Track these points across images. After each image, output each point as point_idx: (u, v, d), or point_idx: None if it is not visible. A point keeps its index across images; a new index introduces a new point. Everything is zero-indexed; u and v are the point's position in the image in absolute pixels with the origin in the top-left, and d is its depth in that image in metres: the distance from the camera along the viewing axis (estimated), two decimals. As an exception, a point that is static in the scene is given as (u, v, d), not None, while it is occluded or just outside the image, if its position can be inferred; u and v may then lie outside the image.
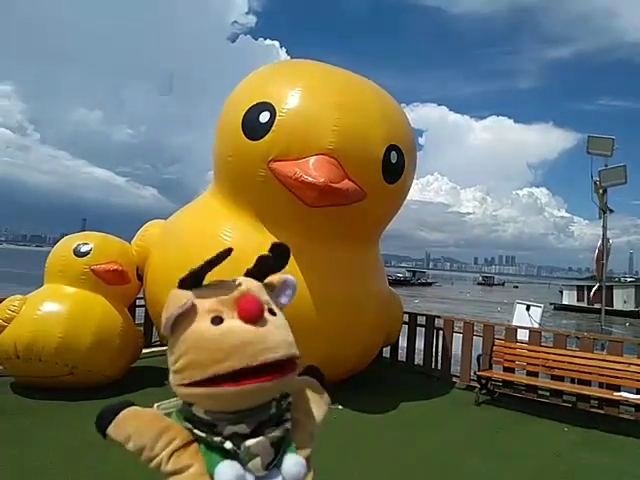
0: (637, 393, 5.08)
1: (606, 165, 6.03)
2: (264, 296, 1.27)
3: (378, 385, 6.31)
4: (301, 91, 4.83)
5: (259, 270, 1.33)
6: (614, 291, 41.60)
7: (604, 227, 7.45)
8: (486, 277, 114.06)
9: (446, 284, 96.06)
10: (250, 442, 1.13)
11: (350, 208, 4.90)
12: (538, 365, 5.70)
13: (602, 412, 5.35)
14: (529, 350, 5.87)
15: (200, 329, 1.17)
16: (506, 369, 6.00)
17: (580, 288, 43.60)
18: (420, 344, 7.11)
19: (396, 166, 5.22)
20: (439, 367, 6.87)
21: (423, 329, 7.02)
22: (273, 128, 4.66)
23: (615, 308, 40.33)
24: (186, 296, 1.19)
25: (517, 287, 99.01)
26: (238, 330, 1.15)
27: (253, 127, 4.75)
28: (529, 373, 5.87)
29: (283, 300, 1.38)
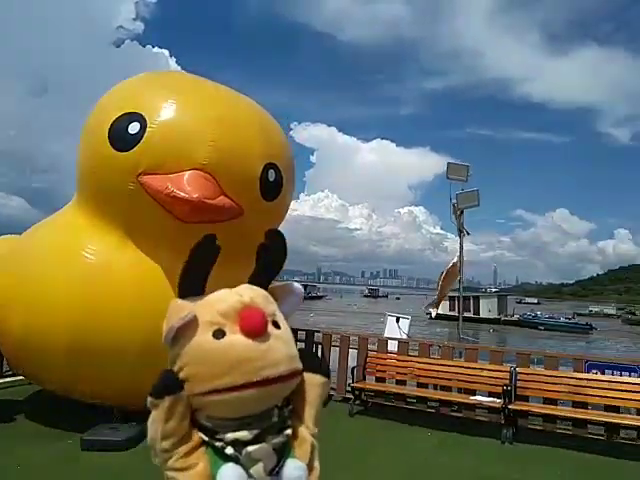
0: (489, 396, 5.64)
1: (462, 189, 6.71)
2: (270, 307, 1.26)
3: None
4: (176, 104, 4.66)
5: (263, 264, 1.33)
6: (480, 301, 46.22)
7: (460, 245, 8.23)
8: (372, 290, 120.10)
9: (336, 297, 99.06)
10: (252, 448, 1.13)
11: (227, 225, 4.81)
12: (406, 374, 6.09)
13: (461, 415, 5.85)
14: (398, 360, 6.24)
15: (201, 342, 1.17)
16: (378, 379, 6.31)
17: (452, 299, 47.80)
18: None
19: (274, 184, 5.26)
20: (318, 381, 6.99)
21: (303, 344, 7.13)
22: (143, 140, 4.43)
23: (481, 316, 44.81)
24: (187, 307, 1.19)
25: (399, 299, 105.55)
26: (239, 346, 1.14)
27: (121, 137, 4.46)
28: (399, 382, 6.23)
29: (286, 308, 1.36)
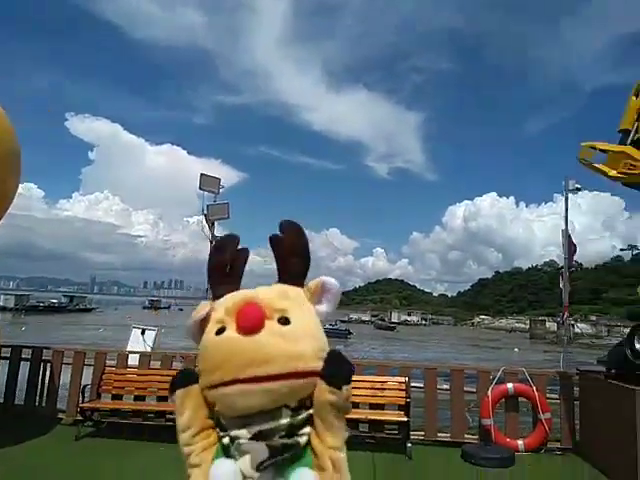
0: None
1: (215, 201, 6.86)
2: (280, 303, 1.18)
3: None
4: None
5: (282, 264, 1.25)
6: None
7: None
8: (152, 301, 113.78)
9: (109, 309, 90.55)
10: (242, 440, 1.10)
11: None
12: (145, 389, 5.82)
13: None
14: (138, 374, 5.94)
15: (205, 339, 1.18)
16: (115, 397, 5.88)
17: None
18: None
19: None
20: (44, 404, 6.16)
21: (28, 363, 6.20)
22: None
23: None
24: (204, 308, 1.21)
25: (182, 310, 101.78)
26: (229, 342, 1.13)
27: None
28: (137, 398, 5.92)
29: (322, 307, 1.25)
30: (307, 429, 1.16)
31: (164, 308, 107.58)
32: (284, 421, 1.13)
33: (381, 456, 5.13)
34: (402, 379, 5.56)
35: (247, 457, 1.10)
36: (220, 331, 1.16)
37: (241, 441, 1.11)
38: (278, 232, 1.26)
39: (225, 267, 1.27)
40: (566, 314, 6.79)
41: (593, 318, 78.50)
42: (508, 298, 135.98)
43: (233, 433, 1.13)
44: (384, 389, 5.56)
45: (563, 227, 8.31)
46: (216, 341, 1.16)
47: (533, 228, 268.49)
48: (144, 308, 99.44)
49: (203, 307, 1.24)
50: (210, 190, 6.75)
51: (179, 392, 1.22)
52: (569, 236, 6.43)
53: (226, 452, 1.14)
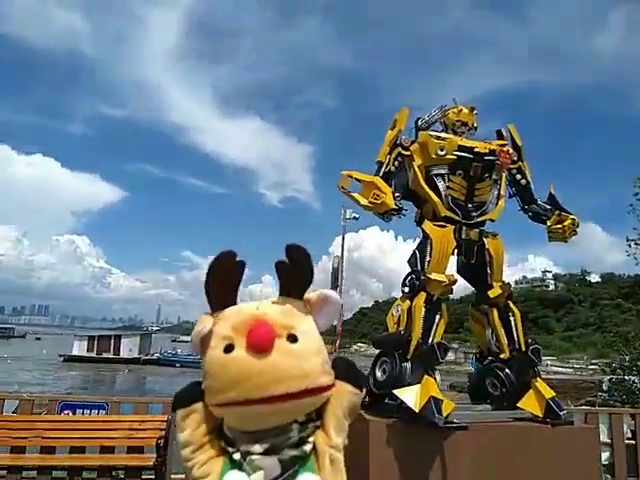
0: None
1: None
2: (287, 321, 1.19)
3: None
4: None
5: (286, 282, 1.24)
6: (122, 340, 44.63)
7: None
8: (4, 329, 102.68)
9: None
10: (255, 456, 1.12)
11: None
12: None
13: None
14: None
15: (213, 356, 1.17)
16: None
17: (91, 338, 44.43)
18: None
19: None
20: None
21: None
22: None
23: (122, 356, 43.22)
24: (207, 321, 1.20)
25: (39, 339, 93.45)
26: (240, 362, 1.12)
27: None
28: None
29: (321, 320, 1.27)
30: (312, 438, 1.19)
31: (19, 337, 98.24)
32: (294, 435, 1.16)
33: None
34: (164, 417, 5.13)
35: (261, 473, 1.11)
36: (228, 348, 1.15)
37: (253, 457, 1.12)
38: (284, 258, 1.23)
39: (223, 280, 1.23)
40: (338, 342, 6.98)
41: (455, 346, 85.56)
42: (385, 326, 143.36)
43: (244, 448, 1.14)
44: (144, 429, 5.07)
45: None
46: (226, 360, 1.14)
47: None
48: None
49: (205, 321, 1.20)
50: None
51: (180, 411, 1.22)
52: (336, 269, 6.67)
53: (236, 467, 1.14)
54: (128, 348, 44.12)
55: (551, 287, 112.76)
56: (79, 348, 43.63)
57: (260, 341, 1.12)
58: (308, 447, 1.17)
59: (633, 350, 11.99)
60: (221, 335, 1.18)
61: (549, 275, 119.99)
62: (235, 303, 1.25)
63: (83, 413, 5.21)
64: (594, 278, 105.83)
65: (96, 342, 43.95)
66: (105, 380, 34.75)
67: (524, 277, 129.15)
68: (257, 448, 1.13)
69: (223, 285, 1.23)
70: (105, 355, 43.24)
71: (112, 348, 43.55)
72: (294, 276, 1.24)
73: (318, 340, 1.25)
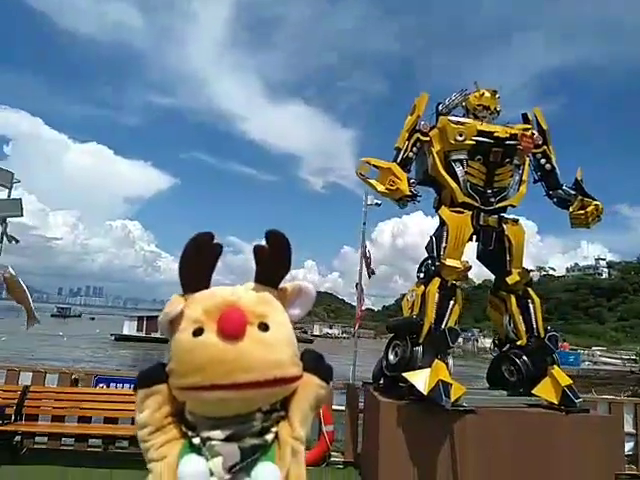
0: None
1: (9, 196, 6.30)
2: (260, 308, 1.18)
3: None
4: None
5: (262, 269, 1.22)
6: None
7: None
8: (62, 309, 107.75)
9: (11, 316, 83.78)
10: (216, 442, 1.10)
11: None
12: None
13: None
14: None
15: (180, 339, 1.15)
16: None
17: (140, 318, 46.29)
18: None
19: None
20: None
21: None
22: None
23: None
24: (178, 302, 1.17)
25: (94, 319, 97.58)
26: (210, 346, 1.10)
27: None
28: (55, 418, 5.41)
29: (294, 311, 1.27)
30: (275, 428, 1.18)
31: (74, 316, 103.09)
32: (257, 423, 1.15)
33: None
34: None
35: (219, 458, 1.10)
36: (197, 332, 1.13)
37: (213, 442, 1.11)
38: (263, 242, 1.22)
39: (198, 262, 1.21)
40: (357, 326, 7.03)
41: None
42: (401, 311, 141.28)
43: (205, 434, 1.12)
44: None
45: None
46: (195, 343, 1.12)
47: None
48: (52, 316, 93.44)
49: (176, 302, 1.18)
50: (3, 184, 6.22)
51: (141, 392, 1.20)
52: (365, 246, 6.68)
53: (195, 451, 1.12)
54: (173, 328, 45.74)
55: (604, 275, 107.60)
56: (129, 328, 45.62)
57: (232, 327, 1.10)
58: (270, 437, 1.16)
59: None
60: (191, 318, 1.15)
61: (602, 263, 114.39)
62: (208, 286, 1.22)
63: (117, 387, 5.57)
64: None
65: (145, 322, 45.73)
66: (153, 359, 36.36)
67: (576, 264, 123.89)
68: (218, 434, 1.11)
69: (198, 267, 1.20)
70: (153, 335, 45.08)
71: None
72: (272, 263, 1.22)
73: (290, 331, 1.24)
